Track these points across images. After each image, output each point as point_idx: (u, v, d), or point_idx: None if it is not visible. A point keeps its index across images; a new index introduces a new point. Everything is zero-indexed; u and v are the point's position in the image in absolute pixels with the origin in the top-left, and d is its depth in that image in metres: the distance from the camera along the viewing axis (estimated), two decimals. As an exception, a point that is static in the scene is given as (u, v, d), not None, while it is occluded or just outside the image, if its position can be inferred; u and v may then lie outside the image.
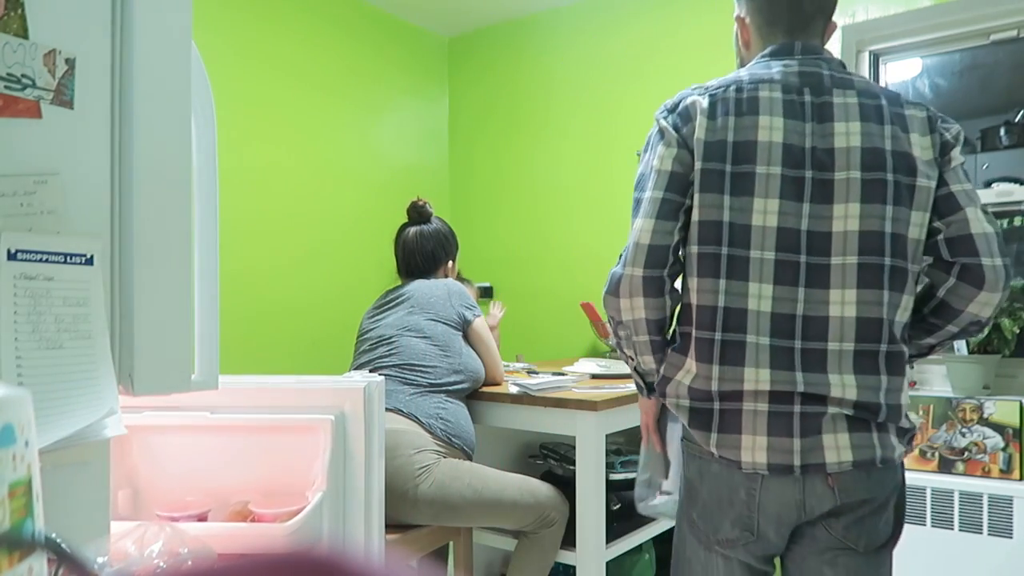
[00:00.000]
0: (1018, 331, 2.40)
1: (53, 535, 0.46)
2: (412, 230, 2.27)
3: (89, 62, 0.79)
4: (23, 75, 0.73)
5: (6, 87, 0.72)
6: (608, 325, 1.29)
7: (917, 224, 1.18)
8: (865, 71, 2.89)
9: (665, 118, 1.24)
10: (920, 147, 1.18)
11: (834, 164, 1.17)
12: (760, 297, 1.16)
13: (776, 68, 1.23)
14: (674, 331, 1.26)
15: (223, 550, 0.93)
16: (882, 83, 2.90)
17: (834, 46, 2.80)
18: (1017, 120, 2.67)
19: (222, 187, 0.97)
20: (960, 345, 2.45)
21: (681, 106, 1.23)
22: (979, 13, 2.64)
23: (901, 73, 2.89)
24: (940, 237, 1.20)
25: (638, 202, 1.22)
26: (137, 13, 0.83)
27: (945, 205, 1.19)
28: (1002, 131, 2.71)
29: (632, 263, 1.19)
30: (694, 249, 1.19)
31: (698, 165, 1.18)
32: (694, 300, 1.20)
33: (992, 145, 2.73)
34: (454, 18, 3.62)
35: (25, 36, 0.73)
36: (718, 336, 1.17)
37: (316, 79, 3.15)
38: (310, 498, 1.18)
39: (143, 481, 1.28)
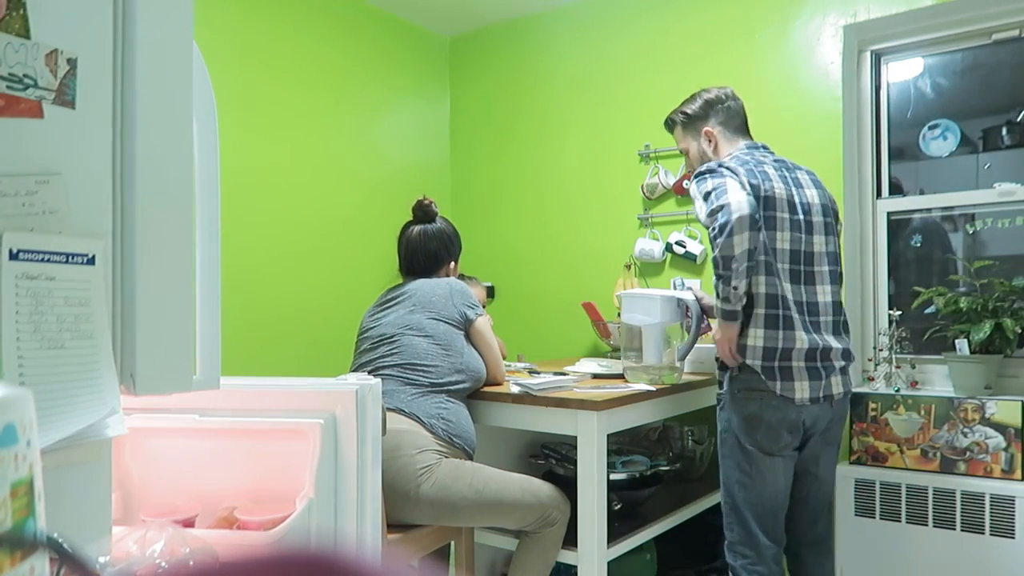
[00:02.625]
0: (1020, 331, 2.40)
1: (55, 535, 0.46)
2: (416, 228, 2.25)
3: (91, 62, 0.79)
4: (25, 75, 0.73)
5: (8, 87, 0.72)
6: (718, 267, 1.87)
7: (838, 247, 2.08)
8: (866, 71, 2.88)
9: (722, 172, 1.92)
10: (834, 204, 2.12)
11: (811, 211, 2.02)
12: (786, 290, 1.93)
13: (759, 155, 2.05)
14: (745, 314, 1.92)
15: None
16: (883, 83, 2.90)
17: (835, 46, 2.80)
18: (1019, 120, 2.67)
19: (223, 187, 0.97)
20: (962, 345, 2.45)
21: (725, 166, 1.93)
22: (981, 12, 2.64)
23: (902, 73, 2.88)
24: None
25: (723, 207, 1.82)
26: (139, 13, 0.83)
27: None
28: (1004, 131, 2.70)
29: (739, 210, 1.81)
30: (761, 257, 1.91)
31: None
32: (762, 290, 1.91)
33: (994, 145, 2.73)
34: (455, 17, 3.62)
35: (27, 36, 0.73)
36: (780, 312, 1.91)
37: (317, 79, 3.15)
38: (298, 506, 1.14)
39: (134, 484, 1.26)
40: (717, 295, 1.92)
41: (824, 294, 2.00)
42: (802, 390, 1.93)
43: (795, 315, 1.92)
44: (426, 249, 2.23)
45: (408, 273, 2.27)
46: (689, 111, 2.16)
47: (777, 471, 1.97)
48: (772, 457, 1.96)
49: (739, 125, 2.15)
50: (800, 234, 1.96)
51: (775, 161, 2.05)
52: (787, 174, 2.01)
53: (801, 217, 1.97)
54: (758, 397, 1.93)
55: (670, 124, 2.23)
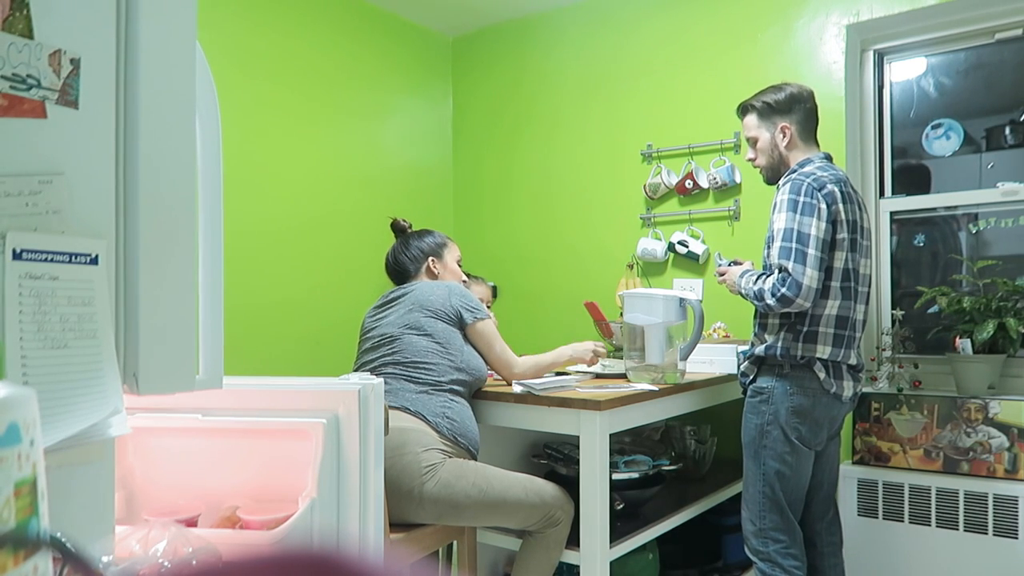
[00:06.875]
0: (1023, 330, 2.39)
1: (58, 534, 0.46)
2: (388, 252, 2.39)
3: (94, 62, 0.79)
4: (28, 75, 0.73)
5: (11, 87, 0.72)
6: (759, 303, 2.02)
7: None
8: (869, 70, 2.88)
9: (815, 202, 1.97)
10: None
11: (869, 236, 2.14)
12: (857, 311, 2.08)
13: (838, 172, 2.07)
14: (805, 329, 2.04)
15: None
16: (886, 82, 2.89)
17: (838, 46, 2.79)
18: (1022, 119, 2.66)
19: (225, 187, 0.97)
20: (965, 345, 2.45)
21: (827, 190, 1.99)
22: (984, 12, 2.64)
23: (905, 72, 2.88)
24: None
25: (802, 253, 1.94)
26: (142, 14, 0.83)
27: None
28: (1007, 130, 2.70)
29: (804, 299, 1.95)
30: (834, 283, 2.03)
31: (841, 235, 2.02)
32: (834, 312, 2.03)
33: (997, 144, 2.72)
34: (458, 17, 3.62)
35: (30, 36, 0.74)
36: (847, 333, 2.06)
37: (319, 79, 3.15)
38: (301, 505, 1.14)
39: (137, 484, 1.26)
40: (751, 295, 2.04)
41: (860, 312, 2.10)
42: (848, 388, 2.09)
43: (856, 334, 2.09)
44: (397, 264, 2.35)
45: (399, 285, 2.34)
46: (771, 101, 2.15)
47: (811, 463, 2.12)
48: (808, 450, 2.09)
49: (813, 129, 2.18)
50: (865, 258, 2.11)
51: (845, 179, 2.09)
52: (855, 195, 2.09)
53: (867, 242, 2.12)
54: (811, 393, 2.05)
55: (745, 109, 2.21)
